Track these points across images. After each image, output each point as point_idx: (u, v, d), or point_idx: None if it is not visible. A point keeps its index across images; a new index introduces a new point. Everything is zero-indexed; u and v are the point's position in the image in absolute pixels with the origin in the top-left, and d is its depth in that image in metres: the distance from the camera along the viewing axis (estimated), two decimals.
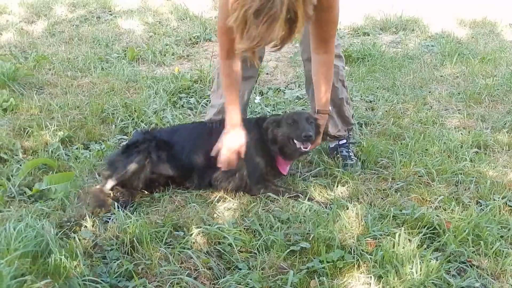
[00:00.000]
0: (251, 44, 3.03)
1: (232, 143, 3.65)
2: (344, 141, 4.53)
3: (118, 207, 3.50)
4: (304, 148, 3.78)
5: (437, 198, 3.78)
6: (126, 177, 3.78)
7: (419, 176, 4.13)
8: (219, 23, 3.55)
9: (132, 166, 3.77)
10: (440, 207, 3.71)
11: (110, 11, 9.32)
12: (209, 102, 4.82)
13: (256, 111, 5.35)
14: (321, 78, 3.76)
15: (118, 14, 9.06)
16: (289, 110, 5.39)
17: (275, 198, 3.78)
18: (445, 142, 4.68)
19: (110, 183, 3.75)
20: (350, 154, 4.41)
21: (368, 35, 8.63)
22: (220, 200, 3.78)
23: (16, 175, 3.94)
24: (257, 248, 3.17)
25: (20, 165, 4.09)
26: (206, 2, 9.59)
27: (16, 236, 3.02)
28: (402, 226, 3.38)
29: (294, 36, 3.13)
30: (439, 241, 3.25)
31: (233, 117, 3.68)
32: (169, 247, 3.18)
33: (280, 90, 6.09)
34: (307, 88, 4.49)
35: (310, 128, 3.76)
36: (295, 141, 3.81)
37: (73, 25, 8.52)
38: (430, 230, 3.36)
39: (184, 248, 3.16)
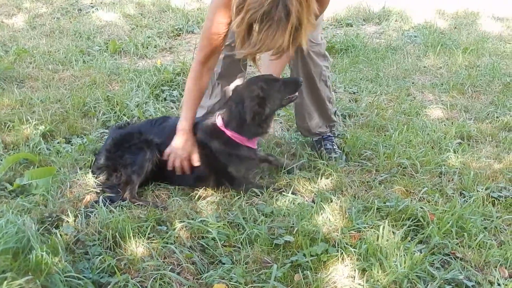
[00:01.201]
0: (252, 50, 3.05)
1: (179, 150, 3.70)
2: (328, 134, 4.52)
3: (105, 201, 3.47)
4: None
5: (421, 190, 3.79)
6: (146, 175, 3.77)
7: (403, 167, 4.13)
8: (206, 24, 3.52)
9: (149, 165, 3.76)
10: (424, 198, 3.73)
11: (92, 3, 9.23)
12: None
13: None
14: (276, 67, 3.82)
15: (100, 6, 8.97)
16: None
17: (260, 192, 3.76)
18: (428, 133, 4.69)
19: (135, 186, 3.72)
20: (334, 147, 4.39)
21: (351, 26, 8.61)
22: (203, 195, 3.75)
23: None
24: (241, 242, 3.15)
25: (1, 160, 4.03)
26: None
27: None
28: (386, 218, 3.38)
29: (296, 45, 3.13)
30: (423, 233, 3.25)
31: (183, 122, 3.72)
32: (152, 242, 3.14)
33: None
34: None
35: (288, 80, 3.93)
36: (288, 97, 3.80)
37: (54, 18, 8.41)
38: (414, 222, 3.37)
39: (167, 243, 3.12)
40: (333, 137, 4.50)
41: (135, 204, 3.56)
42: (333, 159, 4.24)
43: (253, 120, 3.65)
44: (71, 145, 4.40)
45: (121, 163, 3.75)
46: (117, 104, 5.08)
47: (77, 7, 9.01)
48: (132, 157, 3.73)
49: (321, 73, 4.22)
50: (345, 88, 5.89)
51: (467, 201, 3.64)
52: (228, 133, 3.74)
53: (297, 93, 3.82)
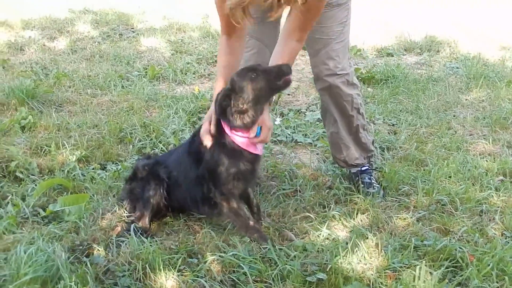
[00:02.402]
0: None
1: (207, 117, 3.54)
2: (367, 167, 4.39)
3: (132, 231, 3.43)
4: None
5: (460, 229, 3.66)
6: (154, 210, 3.66)
7: (442, 204, 4.02)
8: None
9: (156, 198, 3.64)
10: (463, 238, 3.59)
11: (133, 28, 9.33)
12: None
13: (276, 133, 5.26)
14: (281, 56, 3.49)
15: (141, 31, 9.05)
16: (309, 132, 5.31)
17: (292, 225, 3.69)
18: (469, 169, 4.55)
19: (146, 220, 3.64)
20: (372, 181, 4.28)
21: (392, 56, 8.56)
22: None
23: (31, 195, 3.89)
24: (273, 278, 3.07)
25: (35, 185, 4.04)
26: None
27: (27, 260, 2.97)
28: (423, 258, 3.27)
29: (283, 5, 3.02)
30: (462, 275, 3.13)
31: (214, 95, 3.52)
32: (182, 275, 3.09)
33: (301, 111, 6.00)
34: (323, 116, 4.42)
35: (270, 68, 3.41)
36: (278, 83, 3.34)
37: (95, 42, 8.54)
38: (453, 263, 3.24)
39: (198, 277, 3.07)
40: (371, 170, 4.40)
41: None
42: (371, 193, 4.14)
43: (222, 114, 3.36)
44: (106, 171, 4.39)
45: (132, 197, 3.73)
46: (153, 131, 5.07)
47: (118, 31, 9.12)
48: (140, 191, 3.68)
49: (353, 101, 4.11)
50: (384, 119, 5.80)
51: (508, 243, 3.50)
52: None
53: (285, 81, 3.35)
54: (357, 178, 4.31)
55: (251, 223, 3.52)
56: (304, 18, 3.35)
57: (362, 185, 4.21)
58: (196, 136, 3.59)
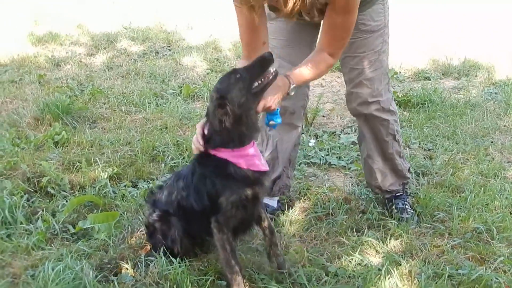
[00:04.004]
0: None
1: None
2: (401, 193, 4.30)
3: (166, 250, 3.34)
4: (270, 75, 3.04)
5: (497, 259, 3.55)
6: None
7: (478, 233, 3.90)
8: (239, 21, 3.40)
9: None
10: (499, 268, 3.48)
11: (169, 46, 9.38)
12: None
13: (309, 155, 5.21)
14: (311, 65, 3.35)
15: (177, 50, 9.09)
16: (343, 155, 5.25)
17: (323, 249, 3.62)
18: (507, 197, 4.43)
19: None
20: (406, 206, 4.19)
21: (429, 79, 8.46)
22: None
23: (61, 212, 3.90)
24: None
25: (66, 201, 4.05)
26: None
27: (54, 278, 2.98)
28: (458, 287, 3.18)
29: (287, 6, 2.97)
30: None
31: None
32: None
33: (335, 134, 5.95)
34: (359, 140, 4.35)
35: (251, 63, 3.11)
36: (254, 85, 3.02)
37: (131, 59, 8.60)
38: None
39: None
40: (405, 196, 4.31)
41: None
42: (405, 219, 4.05)
43: (221, 124, 2.98)
44: (137, 189, 4.38)
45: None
46: (186, 149, 5.05)
47: (154, 49, 9.17)
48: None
49: (388, 127, 4.05)
50: (420, 144, 5.70)
51: None
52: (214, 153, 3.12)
53: (271, 71, 3.04)
54: (391, 203, 4.23)
55: (233, 262, 3.12)
56: (331, 34, 3.33)
57: (396, 211, 4.14)
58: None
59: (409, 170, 4.38)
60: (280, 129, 3.93)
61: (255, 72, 3.03)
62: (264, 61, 3.03)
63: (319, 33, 3.51)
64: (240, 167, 3.05)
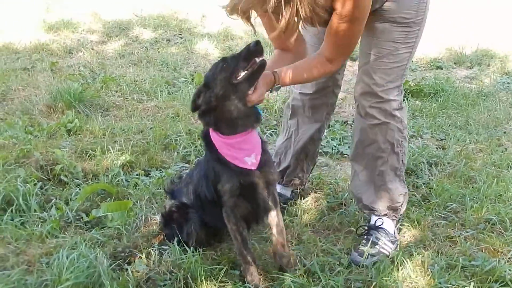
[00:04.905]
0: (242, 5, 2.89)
1: None
2: (381, 222, 3.67)
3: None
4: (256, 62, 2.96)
5: (510, 250, 3.54)
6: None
7: (491, 224, 3.88)
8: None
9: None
10: None
11: (181, 34, 9.35)
12: (275, 134, 4.68)
13: (322, 145, 5.19)
14: (302, 69, 3.25)
15: (189, 38, 9.07)
16: None
17: (336, 239, 3.63)
18: None
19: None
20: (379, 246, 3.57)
21: (442, 69, 8.39)
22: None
23: (75, 200, 3.92)
24: None
25: (80, 189, 4.06)
26: None
27: (68, 266, 2.99)
28: (471, 279, 3.19)
29: (284, 21, 2.90)
30: None
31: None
32: (223, 287, 3.07)
33: (347, 123, 5.91)
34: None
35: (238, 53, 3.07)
36: (241, 72, 2.97)
37: (143, 47, 8.58)
38: (502, 285, 3.15)
39: None
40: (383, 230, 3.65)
41: None
42: (360, 264, 3.41)
43: (204, 112, 3.03)
44: (150, 178, 4.39)
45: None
46: (198, 138, 5.04)
47: (166, 37, 9.15)
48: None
49: (387, 132, 3.54)
50: (432, 134, 5.68)
51: None
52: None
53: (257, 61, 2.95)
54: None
55: (245, 252, 3.15)
56: (333, 41, 3.17)
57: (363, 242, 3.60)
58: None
59: (405, 194, 3.76)
60: (300, 119, 3.97)
61: (240, 62, 2.97)
62: (249, 52, 2.97)
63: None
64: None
